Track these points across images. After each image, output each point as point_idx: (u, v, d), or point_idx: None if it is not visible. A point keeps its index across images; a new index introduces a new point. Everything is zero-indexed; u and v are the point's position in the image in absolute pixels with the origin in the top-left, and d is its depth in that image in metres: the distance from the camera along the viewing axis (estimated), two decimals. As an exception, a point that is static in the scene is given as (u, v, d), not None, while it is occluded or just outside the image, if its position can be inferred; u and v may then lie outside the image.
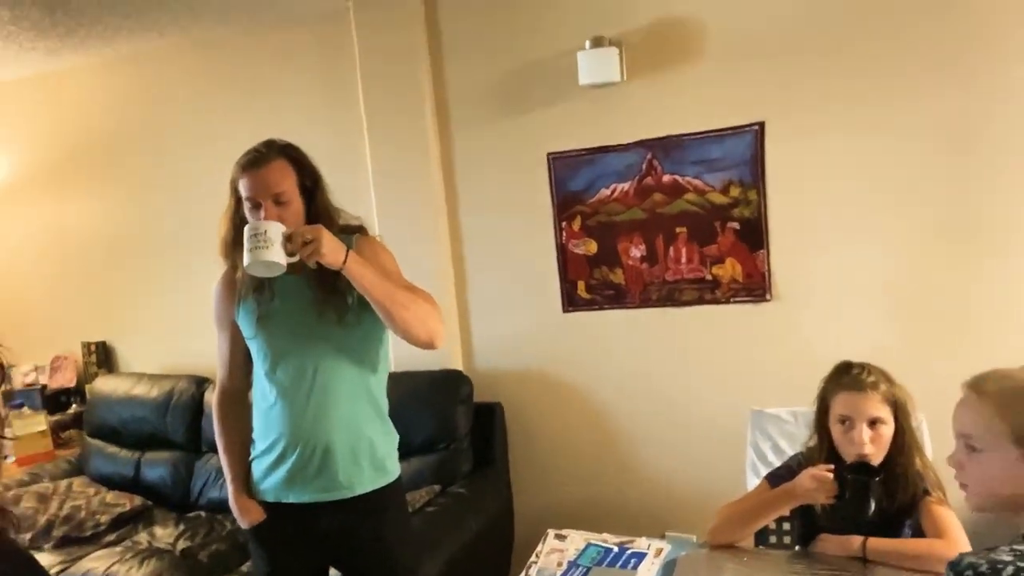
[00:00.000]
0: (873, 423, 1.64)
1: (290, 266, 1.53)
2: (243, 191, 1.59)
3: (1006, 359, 2.39)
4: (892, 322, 2.48)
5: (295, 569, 1.74)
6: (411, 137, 2.96)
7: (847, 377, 1.69)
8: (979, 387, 1.17)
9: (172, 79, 3.42)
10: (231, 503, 1.73)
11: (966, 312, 2.40)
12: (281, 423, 1.66)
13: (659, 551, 1.74)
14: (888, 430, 1.65)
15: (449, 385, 2.86)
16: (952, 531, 1.57)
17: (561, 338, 2.92)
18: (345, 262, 1.51)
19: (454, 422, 2.81)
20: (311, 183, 1.65)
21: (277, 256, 1.49)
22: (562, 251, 2.89)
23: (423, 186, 2.97)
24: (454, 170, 3.00)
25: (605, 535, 1.84)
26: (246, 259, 1.50)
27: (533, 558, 1.75)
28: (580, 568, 1.69)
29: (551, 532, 1.86)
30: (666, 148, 2.69)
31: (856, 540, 1.63)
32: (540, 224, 2.89)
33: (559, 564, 1.71)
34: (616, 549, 1.76)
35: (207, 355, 3.39)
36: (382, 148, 3.00)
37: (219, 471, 3.12)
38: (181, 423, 3.25)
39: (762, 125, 2.57)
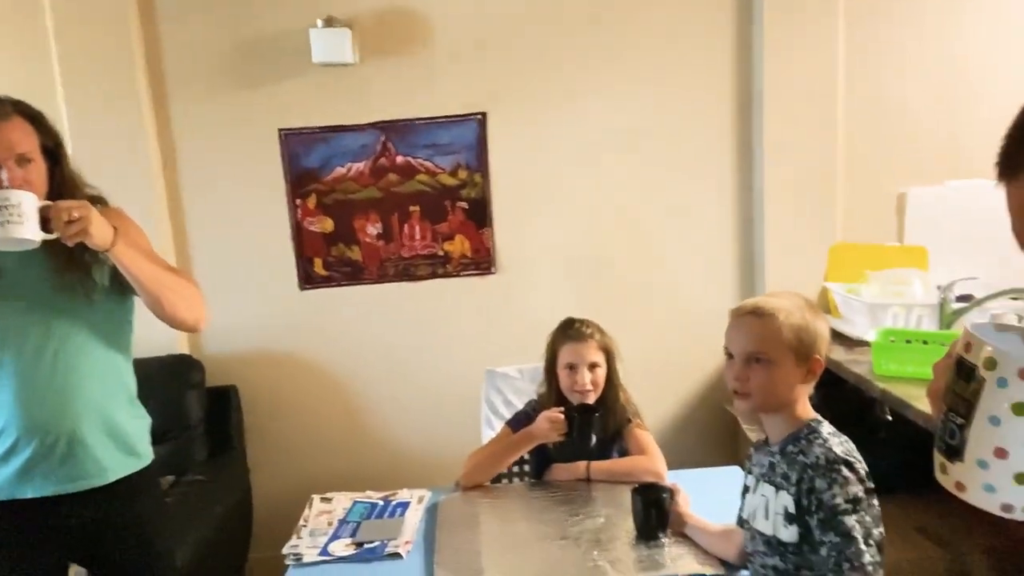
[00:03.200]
0: (592, 367, 1.98)
1: None
2: None
3: (671, 312, 2.98)
4: (592, 286, 2.93)
5: (33, 570, 1.57)
6: (119, 107, 2.70)
7: (571, 330, 2.01)
8: (758, 311, 1.32)
9: None
10: (-49, 511, 1.50)
11: (648, 276, 2.94)
12: (12, 411, 1.48)
13: (421, 498, 1.90)
14: (603, 372, 2.00)
15: (178, 371, 2.72)
16: (651, 448, 1.97)
17: (299, 316, 2.93)
18: (114, 244, 1.41)
19: (185, 409, 2.69)
20: (53, 145, 1.49)
21: (31, 232, 1.32)
22: (297, 229, 2.89)
23: (135, 159, 2.73)
24: (174, 143, 2.82)
25: (369, 492, 1.95)
26: None
27: (302, 522, 1.80)
28: (350, 524, 1.78)
29: (316, 497, 1.92)
30: (399, 131, 2.84)
31: (581, 465, 1.96)
32: (273, 201, 2.86)
33: (329, 524, 1.78)
34: (382, 502, 1.89)
35: None
36: (83, 117, 2.68)
37: None
38: None
39: (484, 115, 2.85)
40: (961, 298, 2.52)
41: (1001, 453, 0.63)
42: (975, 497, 0.66)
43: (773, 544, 1.32)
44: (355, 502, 1.89)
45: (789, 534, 1.28)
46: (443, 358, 2.94)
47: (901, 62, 2.84)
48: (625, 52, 2.81)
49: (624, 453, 2.02)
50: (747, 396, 1.33)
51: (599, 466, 1.96)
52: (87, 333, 1.53)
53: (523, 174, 2.88)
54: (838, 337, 2.53)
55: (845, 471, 1.24)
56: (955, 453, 0.67)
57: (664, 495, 1.65)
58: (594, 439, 1.93)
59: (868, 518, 1.22)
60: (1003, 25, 2.83)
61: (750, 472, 1.46)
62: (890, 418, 2.50)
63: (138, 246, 1.53)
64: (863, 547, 1.19)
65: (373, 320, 2.94)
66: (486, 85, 2.83)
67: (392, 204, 2.88)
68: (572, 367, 1.97)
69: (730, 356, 1.36)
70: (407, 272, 2.93)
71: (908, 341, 2.30)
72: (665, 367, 2.93)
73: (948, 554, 1.91)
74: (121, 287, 1.55)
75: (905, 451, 2.25)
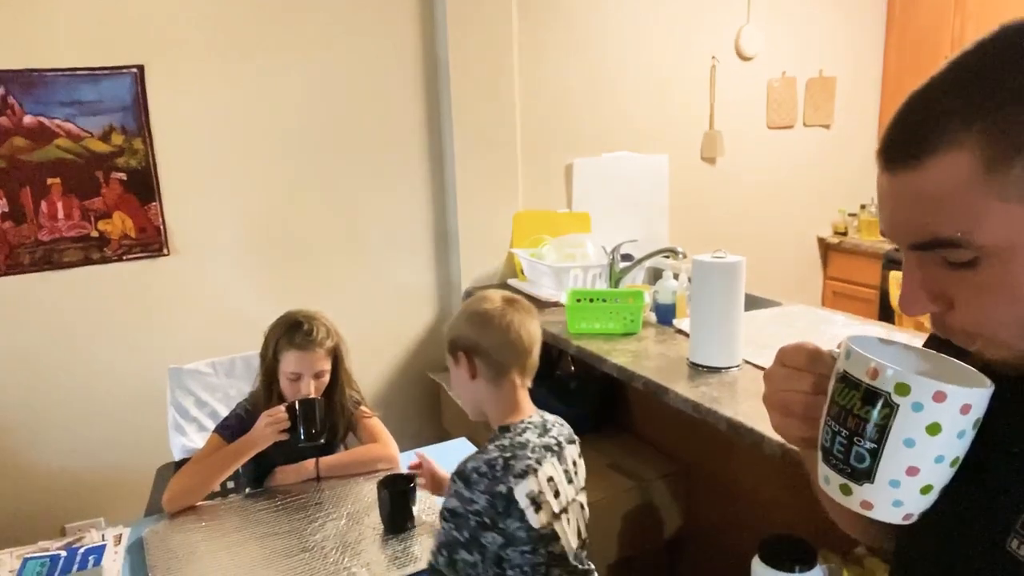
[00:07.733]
0: (318, 375, 1.80)
1: None
2: None
3: (371, 286, 2.92)
4: (282, 264, 2.71)
5: None
6: None
7: (299, 336, 1.77)
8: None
9: None
10: None
11: (344, 250, 2.81)
12: None
13: (118, 538, 1.58)
14: (328, 376, 1.83)
15: None
16: (382, 435, 1.89)
17: None
18: None
19: None
20: None
21: None
22: None
23: None
24: None
25: (42, 543, 1.56)
26: None
27: (-50, 604, 1.37)
28: (25, 591, 1.40)
29: (-36, 565, 1.48)
30: (25, 84, 2.27)
31: (309, 463, 1.81)
32: None
33: (-7, 597, 1.39)
34: (65, 553, 1.52)
35: None
36: None
37: None
38: None
39: (141, 68, 2.41)
40: (624, 257, 2.87)
41: (913, 471, 0.65)
42: (882, 513, 0.67)
43: None
44: (25, 560, 1.49)
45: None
46: (113, 359, 2.47)
47: (562, 52, 3.09)
48: (307, 7, 2.60)
49: (354, 447, 1.92)
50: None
51: (329, 461, 1.83)
52: None
53: (194, 140, 2.52)
54: (530, 300, 2.71)
55: (458, 483, 1.28)
56: (865, 476, 0.67)
57: (411, 485, 1.61)
58: (320, 430, 1.78)
59: (461, 534, 1.26)
60: (631, 27, 3.23)
61: None
62: (573, 369, 2.78)
63: None
64: (433, 550, 1.29)
65: (8, 321, 2.34)
66: (143, 33, 2.39)
67: (21, 176, 2.31)
68: (297, 376, 1.78)
69: None
70: (49, 259, 2.38)
71: (591, 300, 2.56)
72: (370, 339, 2.86)
73: (636, 484, 2.20)
74: None
75: (593, 399, 2.53)
